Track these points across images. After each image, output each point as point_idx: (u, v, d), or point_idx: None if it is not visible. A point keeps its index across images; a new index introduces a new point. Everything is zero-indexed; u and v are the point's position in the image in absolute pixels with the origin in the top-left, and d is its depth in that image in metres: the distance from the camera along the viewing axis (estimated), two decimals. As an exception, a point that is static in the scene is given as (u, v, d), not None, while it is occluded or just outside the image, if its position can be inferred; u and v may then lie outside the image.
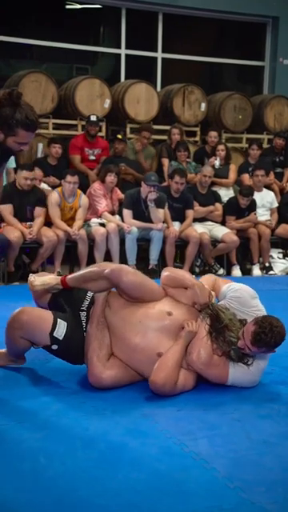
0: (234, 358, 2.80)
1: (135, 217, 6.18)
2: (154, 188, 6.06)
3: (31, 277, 3.06)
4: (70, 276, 3.07)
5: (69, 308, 2.97)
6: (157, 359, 2.75)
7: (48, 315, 2.87)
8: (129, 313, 2.88)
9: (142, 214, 6.18)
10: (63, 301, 3.02)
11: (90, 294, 3.00)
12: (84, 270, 3.08)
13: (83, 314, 2.92)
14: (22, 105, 2.51)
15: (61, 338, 2.82)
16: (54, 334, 2.81)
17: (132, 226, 6.11)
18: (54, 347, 2.85)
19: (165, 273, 3.06)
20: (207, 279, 3.15)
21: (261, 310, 2.97)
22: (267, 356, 2.92)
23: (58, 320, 2.84)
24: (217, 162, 7.06)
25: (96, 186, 6.25)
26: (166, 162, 7.13)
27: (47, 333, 2.81)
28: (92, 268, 3.03)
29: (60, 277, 3.05)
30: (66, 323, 2.84)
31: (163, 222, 6.21)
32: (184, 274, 3.05)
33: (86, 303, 2.96)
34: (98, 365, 2.77)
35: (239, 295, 2.99)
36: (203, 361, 2.78)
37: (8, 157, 2.81)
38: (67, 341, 2.83)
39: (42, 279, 3.04)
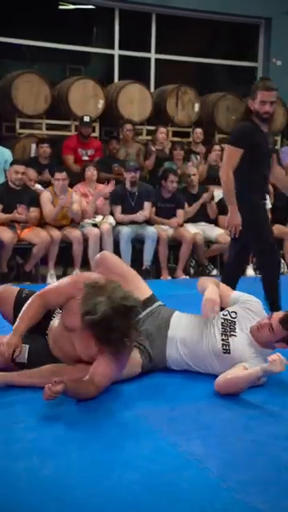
0: None
1: (124, 211, 6.24)
2: (134, 172, 6.13)
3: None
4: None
5: (32, 333, 2.88)
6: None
7: None
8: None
9: (130, 208, 6.24)
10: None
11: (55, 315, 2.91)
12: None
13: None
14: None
15: (26, 362, 2.77)
16: (17, 360, 2.76)
17: (123, 219, 6.17)
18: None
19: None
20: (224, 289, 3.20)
21: None
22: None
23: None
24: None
25: (77, 187, 6.25)
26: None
27: (9, 361, 2.76)
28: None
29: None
30: (27, 345, 2.77)
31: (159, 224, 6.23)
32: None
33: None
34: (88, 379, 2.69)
35: (254, 299, 3.13)
36: None
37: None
38: (36, 359, 2.78)
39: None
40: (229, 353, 2.93)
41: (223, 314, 3.05)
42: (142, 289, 3.14)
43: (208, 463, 2.16)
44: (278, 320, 2.82)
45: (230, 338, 2.95)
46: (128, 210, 6.24)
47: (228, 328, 2.99)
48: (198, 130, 7.51)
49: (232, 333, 2.97)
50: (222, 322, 3.01)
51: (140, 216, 6.17)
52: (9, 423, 2.45)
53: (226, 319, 3.02)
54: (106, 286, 2.55)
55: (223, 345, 2.95)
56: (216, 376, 2.87)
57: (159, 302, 3.19)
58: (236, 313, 3.04)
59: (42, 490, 1.96)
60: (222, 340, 2.95)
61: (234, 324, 3.00)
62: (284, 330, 2.81)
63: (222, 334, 2.97)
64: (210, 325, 3.01)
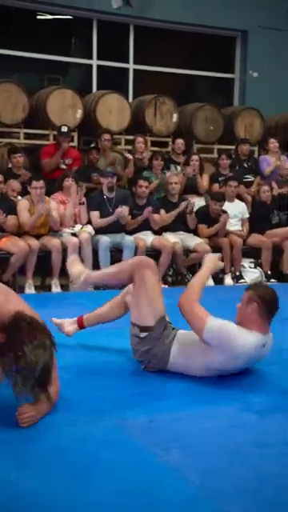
0: None
1: (102, 217, 6.27)
2: (111, 177, 6.18)
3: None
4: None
5: None
6: None
7: None
8: None
9: (108, 214, 6.26)
10: None
11: None
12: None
13: None
14: None
15: None
16: None
17: (101, 224, 6.19)
18: None
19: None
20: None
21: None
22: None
23: None
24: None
25: (55, 195, 6.25)
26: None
27: None
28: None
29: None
30: None
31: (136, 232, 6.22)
32: None
33: None
34: None
35: None
36: None
37: None
38: None
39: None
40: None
41: None
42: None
43: (187, 473, 2.15)
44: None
45: None
46: (106, 216, 6.25)
47: None
48: (180, 141, 7.54)
49: None
50: None
51: (118, 211, 6.12)
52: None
53: None
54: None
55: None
56: (195, 378, 2.98)
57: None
58: None
59: (20, 502, 1.94)
60: None
61: None
62: (246, 291, 3.07)
63: None
64: None
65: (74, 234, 6.11)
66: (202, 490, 2.04)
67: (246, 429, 2.58)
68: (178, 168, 7.38)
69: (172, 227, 6.63)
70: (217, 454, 2.32)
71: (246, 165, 7.82)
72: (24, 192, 6.15)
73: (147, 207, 6.31)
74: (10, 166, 6.73)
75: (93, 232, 6.20)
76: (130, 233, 6.39)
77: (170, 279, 6.55)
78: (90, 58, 8.77)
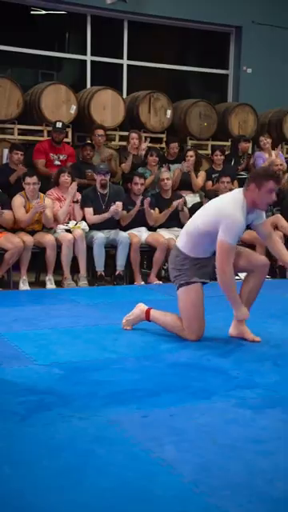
0: None
1: (95, 213, 6.27)
2: (104, 175, 6.16)
3: None
4: None
5: None
6: None
7: None
8: None
9: (101, 210, 6.25)
10: None
11: None
12: None
13: None
14: None
15: None
16: None
17: (95, 221, 6.19)
18: None
19: None
20: None
21: None
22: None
23: None
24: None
25: (50, 192, 6.24)
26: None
27: None
28: None
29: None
30: None
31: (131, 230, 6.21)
32: None
33: None
34: None
35: None
36: None
37: None
38: None
39: None
40: None
41: None
42: None
43: (181, 468, 2.16)
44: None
45: None
46: (99, 212, 6.25)
47: None
48: (174, 145, 7.51)
49: None
50: None
51: (113, 208, 6.12)
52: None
53: None
54: None
55: None
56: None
57: None
58: None
59: (12, 499, 1.94)
60: None
61: None
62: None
63: None
64: None
65: (68, 231, 6.10)
66: (196, 485, 2.05)
67: (241, 424, 2.59)
68: (172, 166, 7.36)
69: (166, 224, 6.63)
70: (211, 450, 2.33)
71: (242, 161, 7.82)
72: (19, 188, 6.12)
73: (146, 198, 6.29)
74: (6, 161, 6.71)
75: (87, 228, 6.19)
76: (125, 229, 6.39)
77: (163, 273, 6.55)
78: (84, 53, 8.74)
